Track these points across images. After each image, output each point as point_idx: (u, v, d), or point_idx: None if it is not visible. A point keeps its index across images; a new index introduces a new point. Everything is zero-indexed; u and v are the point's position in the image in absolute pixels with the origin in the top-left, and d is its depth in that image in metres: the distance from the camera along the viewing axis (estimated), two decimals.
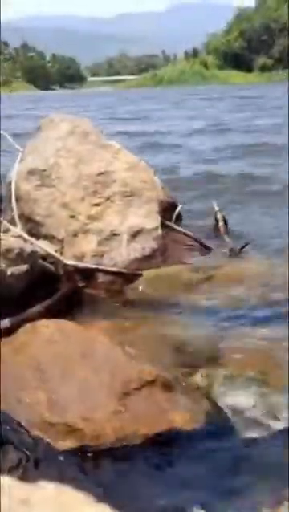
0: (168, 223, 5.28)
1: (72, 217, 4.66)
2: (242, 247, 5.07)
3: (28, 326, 3.08)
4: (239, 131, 17.18)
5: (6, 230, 4.34)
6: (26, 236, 4.33)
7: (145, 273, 4.40)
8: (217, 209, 5.84)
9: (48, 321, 3.11)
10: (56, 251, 4.42)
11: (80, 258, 4.46)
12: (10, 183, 4.97)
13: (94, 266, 4.39)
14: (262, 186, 8.33)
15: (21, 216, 4.78)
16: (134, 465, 2.34)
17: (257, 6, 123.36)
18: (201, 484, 2.22)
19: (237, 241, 5.35)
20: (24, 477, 1.94)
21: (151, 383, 2.68)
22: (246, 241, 5.19)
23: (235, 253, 5.02)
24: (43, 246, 4.32)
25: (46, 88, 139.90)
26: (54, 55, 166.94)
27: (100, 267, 4.41)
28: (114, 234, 4.62)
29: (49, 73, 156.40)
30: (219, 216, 5.77)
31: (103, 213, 4.71)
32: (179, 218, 5.71)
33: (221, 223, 5.72)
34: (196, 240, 5.30)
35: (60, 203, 4.72)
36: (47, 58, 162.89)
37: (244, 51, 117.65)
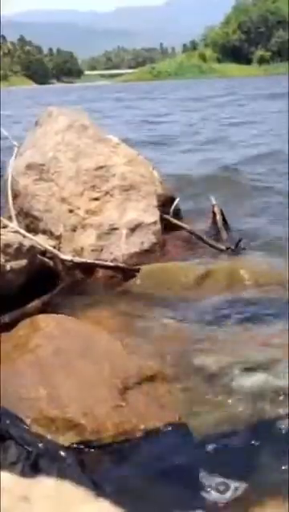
0: (166, 217, 5.26)
1: (71, 211, 4.65)
2: (237, 243, 5.02)
3: (28, 321, 3.07)
4: None
5: (5, 226, 4.33)
6: (22, 231, 4.32)
7: (144, 268, 4.39)
8: (214, 202, 5.81)
9: (48, 316, 3.11)
10: (54, 246, 4.41)
11: (79, 252, 4.46)
12: (7, 178, 4.96)
13: (91, 261, 4.39)
14: None
15: (20, 211, 4.77)
16: (134, 460, 2.34)
17: None
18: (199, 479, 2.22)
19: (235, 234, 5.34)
20: (24, 473, 1.94)
21: (151, 377, 2.68)
22: (240, 237, 5.15)
23: (232, 250, 4.98)
24: (40, 241, 4.31)
25: (44, 82, 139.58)
26: (51, 49, 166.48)
27: (97, 262, 4.40)
28: (113, 229, 4.61)
29: (46, 67, 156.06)
30: (216, 209, 5.73)
31: (102, 208, 4.70)
32: (178, 212, 5.70)
33: (218, 216, 5.67)
34: (194, 234, 5.29)
35: (59, 197, 4.71)
36: (45, 53, 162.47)
37: (242, 44, 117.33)
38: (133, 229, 4.66)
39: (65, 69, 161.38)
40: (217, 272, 4.32)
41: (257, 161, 9.67)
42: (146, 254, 4.62)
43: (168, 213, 5.39)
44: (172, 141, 13.47)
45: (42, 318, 3.06)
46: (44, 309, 3.59)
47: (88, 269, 4.39)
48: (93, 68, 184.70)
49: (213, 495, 2.12)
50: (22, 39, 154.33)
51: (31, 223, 4.70)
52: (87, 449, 2.36)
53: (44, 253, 4.31)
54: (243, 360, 2.95)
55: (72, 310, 3.68)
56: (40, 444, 2.12)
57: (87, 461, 2.26)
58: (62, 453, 2.16)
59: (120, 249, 4.55)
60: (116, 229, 4.62)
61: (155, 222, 4.79)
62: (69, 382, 2.60)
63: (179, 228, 5.34)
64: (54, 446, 2.22)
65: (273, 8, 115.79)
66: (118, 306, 4.00)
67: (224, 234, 5.39)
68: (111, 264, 4.42)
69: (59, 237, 4.55)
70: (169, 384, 2.72)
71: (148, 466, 2.31)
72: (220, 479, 2.18)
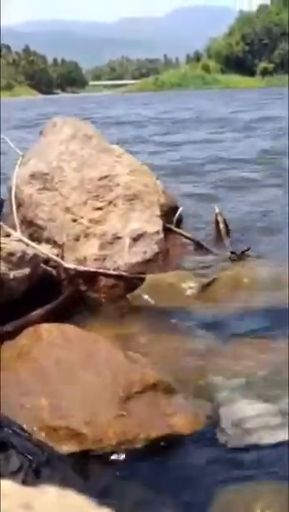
0: (169, 226, 5.27)
1: (75, 220, 4.66)
2: (244, 251, 5.03)
3: (30, 330, 3.07)
4: None
5: (8, 235, 4.34)
6: (25, 240, 4.33)
7: (147, 278, 4.39)
8: (217, 211, 5.81)
9: (50, 325, 3.11)
10: (57, 255, 4.42)
11: (82, 261, 4.46)
12: (11, 187, 4.98)
13: (94, 270, 4.39)
14: None
15: (23, 220, 4.78)
16: (136, 469, 2.33)
17: (258, 10, 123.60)
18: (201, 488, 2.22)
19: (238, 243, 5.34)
20: (26, 482, 1.93)
21: (153, 387, 2.67)
22: (247, 246, 5.15)
23: (237, 257, 4.98)
24: (43, 250, 4.32)
25: (49, 92, 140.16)
26: (56, 60, 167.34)
27: (100, 270, 4.40)
28: (116, 238, 4.62)
29: (51, 77, 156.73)
30: (220, 218, 5.73)
31: (105, 217, 4.71)
32: (181, 221, 5.71)
33: (221, 225, 5.67)
34: (197, 243, 5.30)
35: (63, 207, 4.72)
36: (49, 63, 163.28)
37: (246, 55, 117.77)
38: (136, 239, 4.66)
39: (69, 79, 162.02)
40: (220, 281, 4.32)
41: None
42: (149, 264, 4.61)
43: (171, 223, 5.41)
44: None
45: (44, 327, 3.06)
46: (47, 318, 3.59)
47: (91, 278, 4.40)
48: (97, 78, 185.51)
49: None
50: (26, 49, 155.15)
51: (35, 232, 4.71)
52: (89, 458, 2.36)
53: (47, 261, 4.32)
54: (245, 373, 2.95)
55: (74, 320, 3.68)
56: (42, 454, 2.11)
57: (89, 470, 2.25)
58: (64, 462, 2.16)
59: (123, 258, 4.55)
60: (119, 238, 4.62)
61: (158, 232, 4.79)
62: (71, 391, 2.60)
63: (182, 237, 5.36)
64: (57, 455, 2.22)
65: (277, 20, 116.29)
66: (120, 315, 4.00)
67: (227, 242, 5.39)
68: (114, 273, 4.42)
69: (62, 246, 4.56)
70: (171, 394, 2.71)
71: (149, 475, 2.30)
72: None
